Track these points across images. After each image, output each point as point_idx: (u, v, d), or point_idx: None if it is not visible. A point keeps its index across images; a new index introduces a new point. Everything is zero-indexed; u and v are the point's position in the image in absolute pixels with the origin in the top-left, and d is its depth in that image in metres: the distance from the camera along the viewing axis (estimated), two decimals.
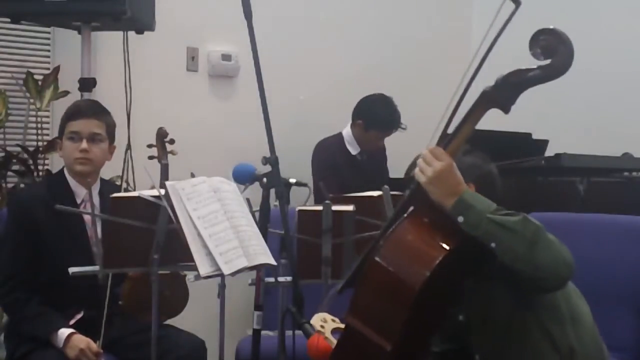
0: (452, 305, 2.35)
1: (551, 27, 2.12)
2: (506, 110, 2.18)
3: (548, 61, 2.11)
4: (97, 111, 3.25)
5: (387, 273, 2.16)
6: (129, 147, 4.02)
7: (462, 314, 2.40)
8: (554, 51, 2.11)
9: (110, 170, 3.65)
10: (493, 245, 2.11)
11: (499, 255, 2.12)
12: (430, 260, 2.10)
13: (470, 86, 2.18)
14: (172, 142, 3.31)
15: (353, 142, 4.74)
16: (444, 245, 2.14)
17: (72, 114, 3.23)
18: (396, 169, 4.58)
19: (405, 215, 2.22)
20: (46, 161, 4.05)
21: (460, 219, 2.14)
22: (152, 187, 2.79)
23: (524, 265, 2.11)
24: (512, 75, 2.15)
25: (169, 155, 3.30)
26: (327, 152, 4.71)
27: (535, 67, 2.13)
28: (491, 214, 2.13)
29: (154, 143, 3.32)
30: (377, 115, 4.67)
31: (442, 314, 2.30)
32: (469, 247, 2.17)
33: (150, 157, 3.32)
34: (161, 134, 3.32)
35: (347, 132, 4.78)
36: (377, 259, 2.17)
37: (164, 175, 3.22)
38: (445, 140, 2.22)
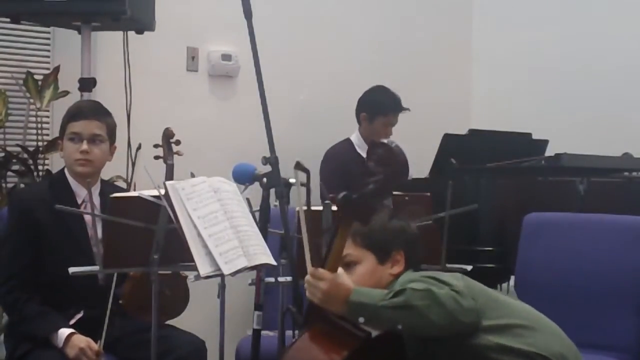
0: None
1: (384, 140, 2.25)
2: (365, 222, 2.31)
3: (381, 175, 2.21)
4: (98, 112, 3.25)
5: None
6: (129, 147, 4.03)
7: None
8: (387, 164, 2.21)
9: (110, 170, 3.65)
10: (399, 327, 2.24)
11: (408, 332, 2.26)
12: None
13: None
14: (178, 143, 3.31)
15: (362, 143, 4.70)
16: (341, 351, 2.25)
17: (73, 114, 3.23)
18: None
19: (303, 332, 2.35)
20: (46, 161, 4.04)
21: (361, 319, 2.26)
22: (159, 187, 2.79)
23: (430, 330, 2.25)
24: (353, 194, 2.23)
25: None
26: (338, 160, 4.67)
27: (368, 182, 2.22)
28: (382, 302, 2.24)
29: (156, 143, 3.31)
30: (377, 102, 4.71)
31: None
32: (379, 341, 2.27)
33: (156, 157, 3.32)
34: (168, 135, 3.31)
35: (355, 136, 4.78)
36: None
37: (169, 175, 3.22)
38: (321, 260, 2.36)
